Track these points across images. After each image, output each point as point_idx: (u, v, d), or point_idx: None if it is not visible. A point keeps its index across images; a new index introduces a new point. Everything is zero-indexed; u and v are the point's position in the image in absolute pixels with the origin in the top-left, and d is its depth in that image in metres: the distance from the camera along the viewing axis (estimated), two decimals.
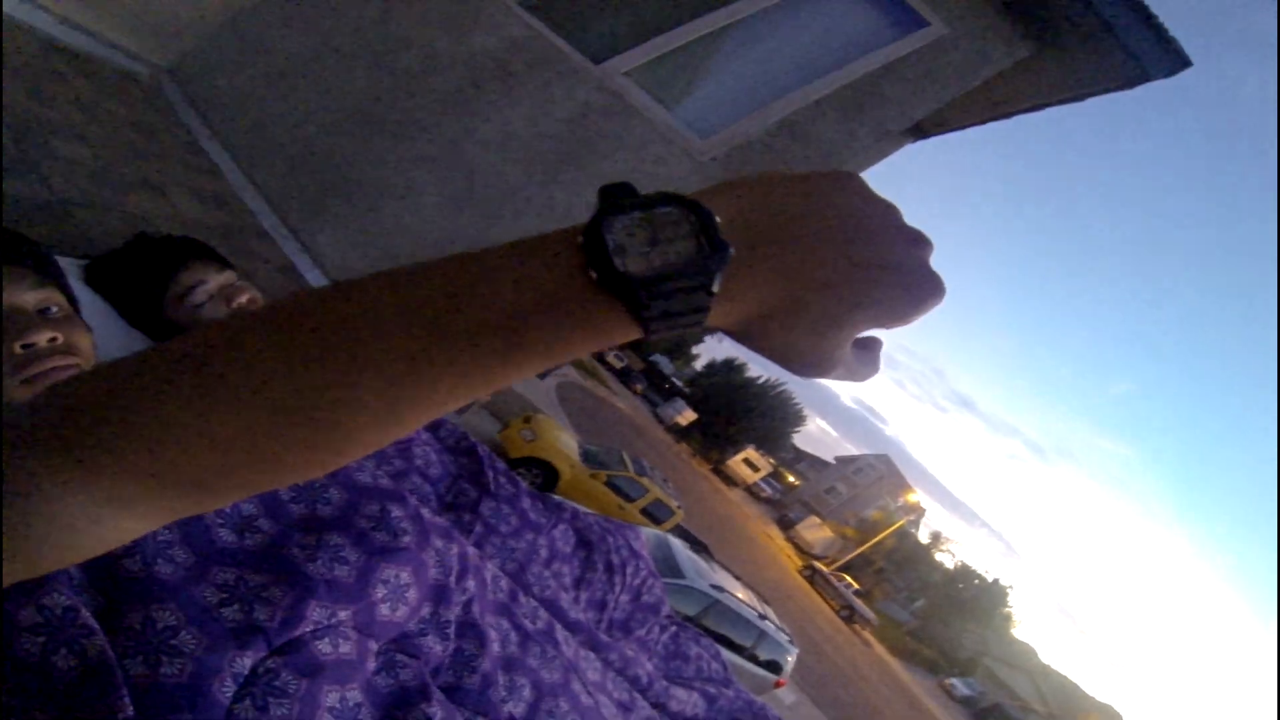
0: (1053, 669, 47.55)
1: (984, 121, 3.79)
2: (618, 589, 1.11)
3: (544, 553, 1.01)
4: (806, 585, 24.82)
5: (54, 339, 0.69)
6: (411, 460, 0.99)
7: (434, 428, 1.12)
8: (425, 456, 1.02)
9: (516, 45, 2.64)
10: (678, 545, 6.69)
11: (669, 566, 6.16)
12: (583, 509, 1.19)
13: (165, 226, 1.94)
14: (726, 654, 1.36)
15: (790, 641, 7.20)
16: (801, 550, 32.30)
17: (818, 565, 27.62)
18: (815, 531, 34.58)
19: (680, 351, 38.21)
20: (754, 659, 6.72)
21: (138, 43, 2.62)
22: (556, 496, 1.22)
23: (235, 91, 2.76)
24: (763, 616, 6.93)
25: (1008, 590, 49.09)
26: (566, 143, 2.56)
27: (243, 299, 1.09)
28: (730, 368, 39.00)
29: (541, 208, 2.53)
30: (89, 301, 1.06)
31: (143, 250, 1.14)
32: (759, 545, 23.95)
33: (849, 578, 30.97)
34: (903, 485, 42.26)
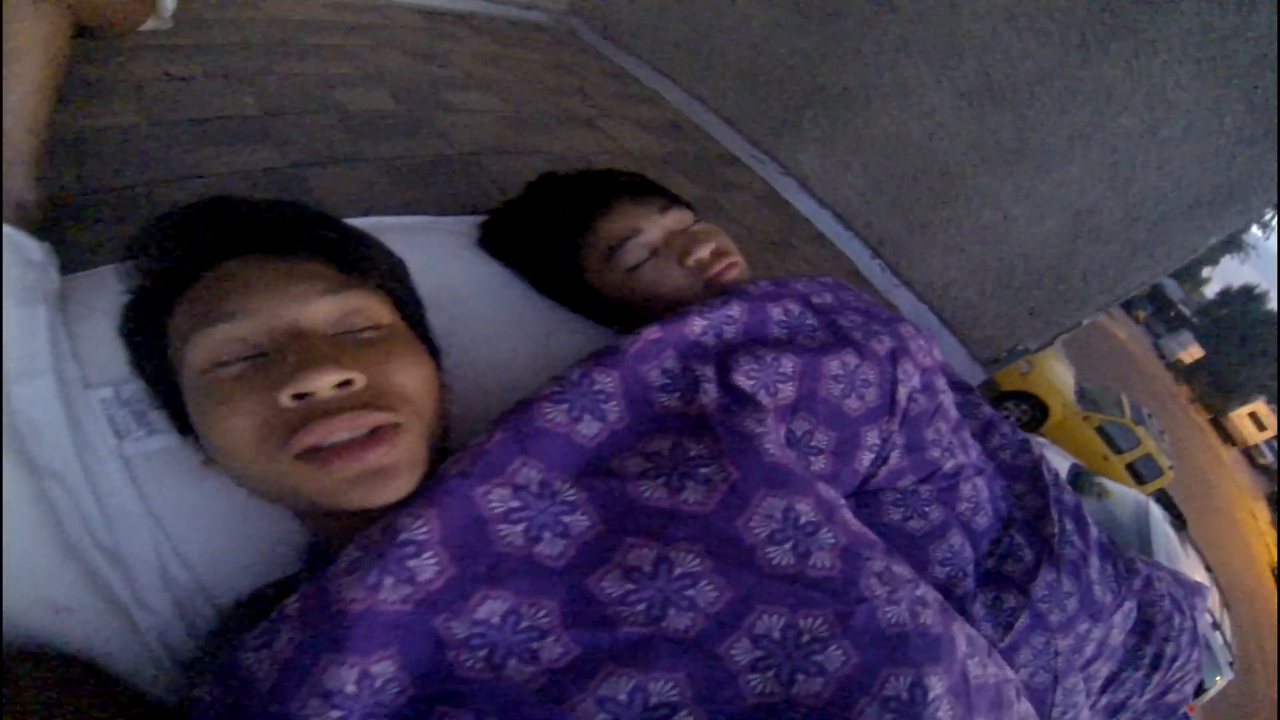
0: None
1: None
2: (1149, 691, 0.76)
3: (1090, 650, 0.69)
4: (1275, 590, 18.70)
5: (346, 382, 0.41)
6: (954, 505, 0.67)
7: (986, 434, 0.78)
8: (975, 496, 0.69)
9: None
10: (1157, 517, 5.34)
11: (1140, 541, 4.89)
12: (1162, 568, 0.85)
13: (608, 162, 1.77)
14: None
15: (1230, 664, 5.36)
16: None
17: None
18: None
19: (1190, 274, 31.42)
20: None
21: None
22: (1135, 555, 0.83)
23: (650, 13, 2.58)
24: (1216, 625, 5.21)
25: None
26: None
27: (703, 253, 0.72)
28: (1250, 296, 30.97)
29: (1094, 93, 1.86)
30: (486, 272, 0.80)
31: (547, 194, 0.81)
32: (1235, 524, 18.60)
33: None
34: None
